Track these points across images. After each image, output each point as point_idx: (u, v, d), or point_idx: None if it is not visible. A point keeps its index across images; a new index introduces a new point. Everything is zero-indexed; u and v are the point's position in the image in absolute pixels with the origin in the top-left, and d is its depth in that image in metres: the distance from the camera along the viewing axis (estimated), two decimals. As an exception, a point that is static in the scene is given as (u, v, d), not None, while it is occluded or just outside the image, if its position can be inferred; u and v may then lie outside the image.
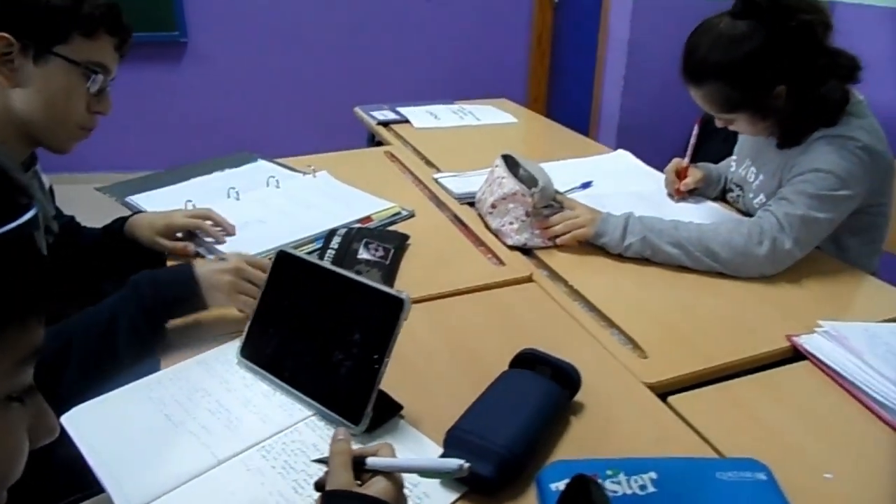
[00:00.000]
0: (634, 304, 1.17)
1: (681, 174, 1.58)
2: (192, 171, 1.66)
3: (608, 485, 0.74)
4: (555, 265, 1.28)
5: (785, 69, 1.24)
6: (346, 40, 3.83)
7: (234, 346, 0.99)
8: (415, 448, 0.82)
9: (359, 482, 0.65)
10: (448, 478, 0.72)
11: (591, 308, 1.16)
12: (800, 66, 1.24)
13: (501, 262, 1.28)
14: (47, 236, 1.18)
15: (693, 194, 1.61)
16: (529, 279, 1.23)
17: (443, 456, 0.77)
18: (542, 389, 0.86)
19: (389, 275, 1.18)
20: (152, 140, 3.53)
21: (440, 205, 1.54)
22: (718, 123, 1.41)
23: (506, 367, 0.91)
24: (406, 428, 0.85)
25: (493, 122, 2.23)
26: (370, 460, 0.65)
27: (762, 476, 0.77)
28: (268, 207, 1.44)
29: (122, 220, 1.31)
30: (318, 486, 0.66)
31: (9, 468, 0.42)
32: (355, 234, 1.25)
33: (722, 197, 1.64)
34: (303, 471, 0.78)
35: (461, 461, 0.62)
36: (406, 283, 1.19)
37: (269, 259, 1.00)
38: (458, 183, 1.60)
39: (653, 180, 1.68)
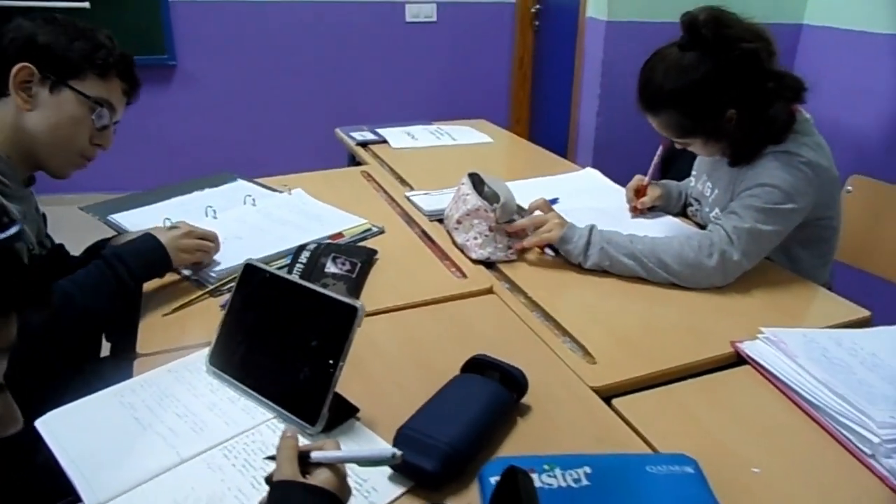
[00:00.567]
0: (589, 314, 1.23)
1: (640, 192, 1.65)
2: (173, 190, 1.71)
3: (545, 478, 0.79)
4: (516, 278, 1.34)
5: (733, 95, 1.31)
6: (332, 64, 3.92)
7: (203, 354, 1.04)
8: (368, 447, 0.87)
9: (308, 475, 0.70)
10: (384, 465, 0.77)
11: (547, 318, 1.21)
12: (747, 91, 1.31)
13: (464, 275, 1.34)
14: (41, 249, 1.26)
15: (653, 210, 1.68)
16: (490, 291, 1.29)
17: (392, 452, 0.82)
18: (490, 392, 0.91)
19: (355, 287, 1.24)
20: (141, 162, 3.59)
21: (410, 221, 1.60)
22: (678, 146, 1.48)
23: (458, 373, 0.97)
24: (361, 429, 0.91)
25: (468, 142, 2.30)
26: (314, 454, 0.71)
27: (690, 469, 0.82)
28: (244, 225, 1.50)
29: (104, 241, 1.37)
30: (268, 479, 0.71)
31: None
32: (324, 250, 1.30)
33: (683, 211, 1.71)
34: (261, 468, 0.83)
35: (394, 450, 0.68)
36: (372, 296, 1.25)
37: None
38: (428, 201, 1.66)
39: (617, 196, 1.74)
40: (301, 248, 1.32)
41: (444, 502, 0.79)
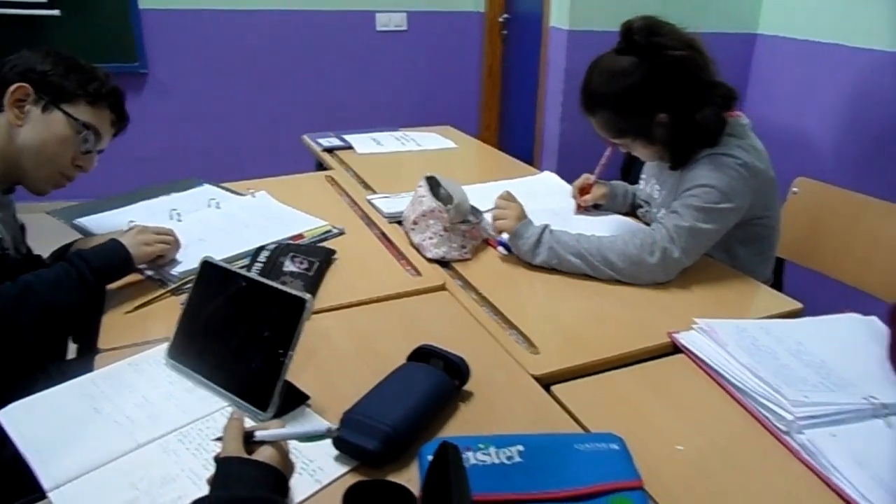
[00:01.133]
0: (536, 309, 1.29)
1: (585, 190, 1.73)
2: (139, 195, 1.75)
3: (479, 456, 0.85)
4: (468, 275, 1.40)
5: (662, 99, 1.38)
6: (303, 72, 3.97)
7: (163, 349, 1.08)
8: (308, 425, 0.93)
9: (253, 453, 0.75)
10: (321, 439, 0.82)
11: (496, 312, 1.27)
12: (676, 96, 1.38)
13: (419, 273, 1.39)
14: (17, 254, 1.33)
15: (598, 209, 1.76)
16: (443, 288, 1.35)
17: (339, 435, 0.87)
18: (433, 379, 0.97)
19: (313, 285, 1.29)
20: (113, 169, 3.58)
21: (370, 223, 1.65)
22: (622, 149, 1.55)
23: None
24: (311, 415, 0.96)
25: (433, 147, 2.36)
26: (258, 433, 0.76)
27: (615, 447, 0.88)
28: (208, 227, 1.54)
29: (70, 245, 1.41)
30: (217, 459, 0.76)
31: None
32: (282, 249, 1.35)
33: (633, 212, 1.79)
34: (213, 451, 0.87)
35: (329, 425, 0.73)
36: (328, 293, 1.30)
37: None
38: (388, 203, 1.72)
39: (571, 198, 1.81)
40: (261, 248, 1.37)
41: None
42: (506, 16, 4.05)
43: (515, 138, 4.07)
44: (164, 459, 0.87)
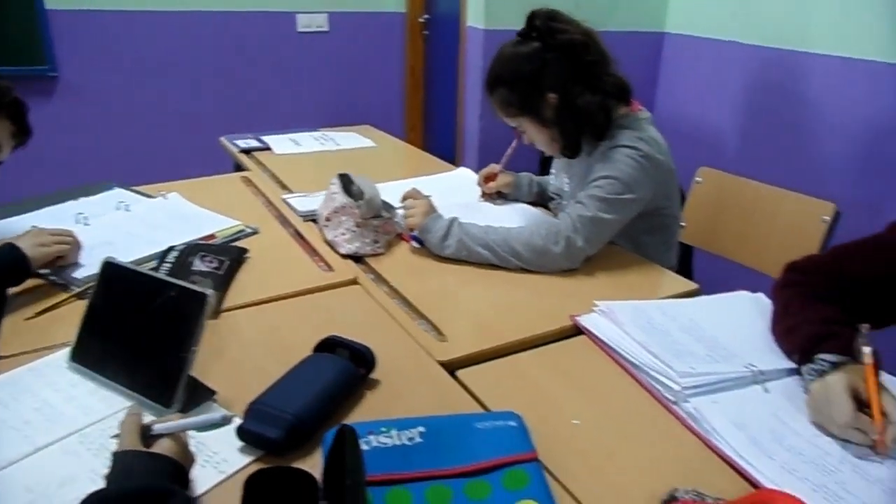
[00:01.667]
0: (445, 299, 1.33)
1: (490, 178, 1.80)
2: (46, 200, 1.70)
3: (381, 439, 0.88)
4: (381, 269, 1.43)
5: (553, 79, 1.46)
6: (223, 74, 3.90)
7: (66, 353, 1.07)
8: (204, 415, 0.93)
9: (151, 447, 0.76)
10: (217, 427, 0.83)
11: (407, 304, 1.30)
12: (565, 78, 1.46)
13: (331, 269, 1.41)
14: None
15: (505, 198, 1.83)
16: (354, 282, 1.37)
17: (242, 425, 0.88)
18: (337, 368, 0.99)
19: (223, 283, 1.29)
20: (23, 175, 3.46)
21: (285, 222, 1.66)
22: (525, 140, 1.62)
23: (314, 354, 1.04)
24: (217, 409, 0.96)
25: (352, 146, 2.38)
26: (156, 426, 0.76)
27: (513, 423, 0.92)
28: (116, 230, 1.52)
29: None
30: (113, 453, 0.76)
31: None
32: (192, 249, 1.35)
33: (544, 203, 1.85)
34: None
35: (224, 413, 0.75)
36: (239, 291, 1.30)
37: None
38: (303, 202, 1.73)
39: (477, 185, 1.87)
40: (170, 248, 1.36)
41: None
42: (426, 16, 4.09)
43: (440, 137, 4.12)
44: (64, 461, 0.86)
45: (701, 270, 2.10)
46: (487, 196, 1.83)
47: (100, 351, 1.03)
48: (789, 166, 2.69)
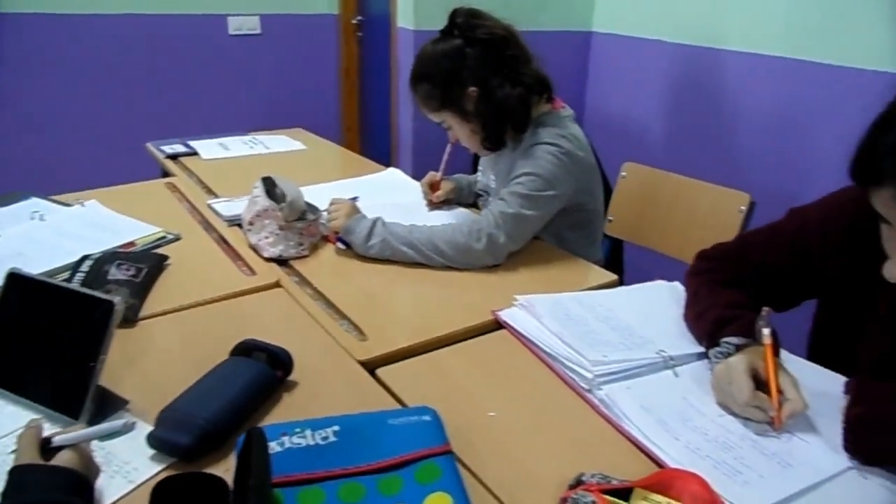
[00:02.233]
0: (368, 299, 1.33)
1: (434, 186, 1.80)
2: (-45, 212, 1.64)
3: (294, 439, 0.88)
4: (304, 272, 1.42)
5: (473, 72, 1.50)
6: (152, 78, 3.81)
7: (-31, 369, 1.03)
8: (136, 434, 0.92)
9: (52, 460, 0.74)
10: (119, 435, 0.81)
11: (330, 305, 1.30)
12: (485, 71, 1.50)
13: (253, 273, 1.40)
14: None
15: (448, 203, 1.82)
16: (277, 285, 1.36)
17: (152, 432, 0.87)
18: (252, 371, 0.98)
19: (140, 291, 1.26)
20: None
21: (209, 228, 1.64)
22: (451, 138, 1.63)
23: (232, 359, 1.03)
24: (130, 419, 0.94)
25: (281, 150, 2.36)
26: (56, 438, 0.75)
27: (427, 418, 0.93)
28: (29, 240, 1.47)
29: None
30: (9, 469, 0.74)
31: None
32: (108, 258, 1.32)
33: (475, 203, 1.87)
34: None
35: (124, 420, 0.74)
36: (159, 298, 1.28)
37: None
38: (228, 207, 1.71)
39: (415, 192, 1.87)
40: (84, 258, 1.33)
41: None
42: (360, 17, 4.08)
43: (376, 139, 4.12)
44: (-38, 479, 0.83)
45: (630, 263, 2.16)
46: (435, 205, 1.81)
47: (5, 365, 1.00)
48: (709, 159, 2.78)
